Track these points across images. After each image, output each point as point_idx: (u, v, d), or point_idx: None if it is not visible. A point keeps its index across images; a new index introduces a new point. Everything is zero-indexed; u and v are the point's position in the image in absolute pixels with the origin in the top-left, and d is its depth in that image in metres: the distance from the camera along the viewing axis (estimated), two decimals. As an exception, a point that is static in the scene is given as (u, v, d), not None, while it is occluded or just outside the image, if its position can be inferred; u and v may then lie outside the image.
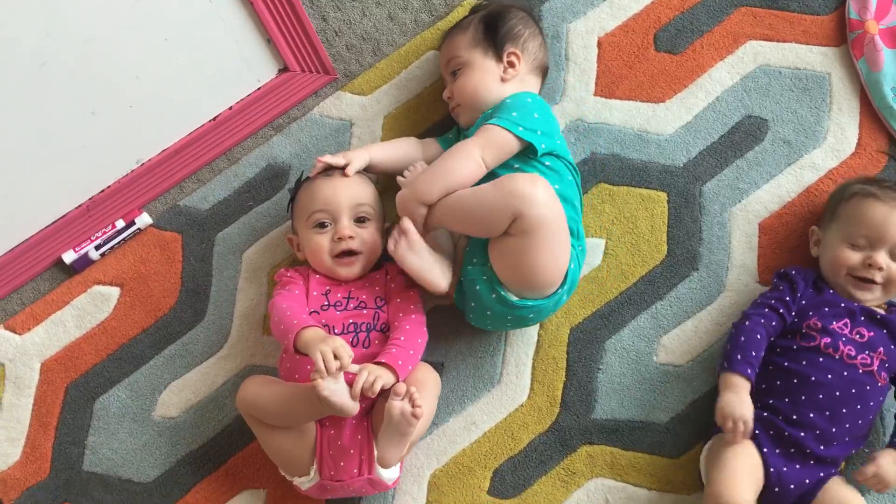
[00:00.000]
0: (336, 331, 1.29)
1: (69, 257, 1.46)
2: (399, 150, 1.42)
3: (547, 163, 1.30)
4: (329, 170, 1.37)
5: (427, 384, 1.28)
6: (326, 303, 1.32)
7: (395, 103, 1.53)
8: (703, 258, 1.43)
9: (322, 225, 1.33)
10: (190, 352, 1.44)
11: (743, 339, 1.26)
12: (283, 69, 1.51)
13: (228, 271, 1.47)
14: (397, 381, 1.22)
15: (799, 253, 1.41)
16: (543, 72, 1.44)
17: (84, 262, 1.46)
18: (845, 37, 1.49)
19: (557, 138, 1.33)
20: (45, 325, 1.45)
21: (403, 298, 1.33)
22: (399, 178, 1.34)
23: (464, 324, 1.39)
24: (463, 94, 1.37)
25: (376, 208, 1.36)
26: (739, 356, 1.24)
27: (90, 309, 1.46)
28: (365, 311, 1.32)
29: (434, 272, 1.28)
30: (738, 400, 1.21)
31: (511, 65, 1.37)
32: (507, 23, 1.39)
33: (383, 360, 1.23)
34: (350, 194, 1.33)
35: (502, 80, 1.36)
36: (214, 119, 1.49)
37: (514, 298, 1.25)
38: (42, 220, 1.45)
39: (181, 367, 1.44)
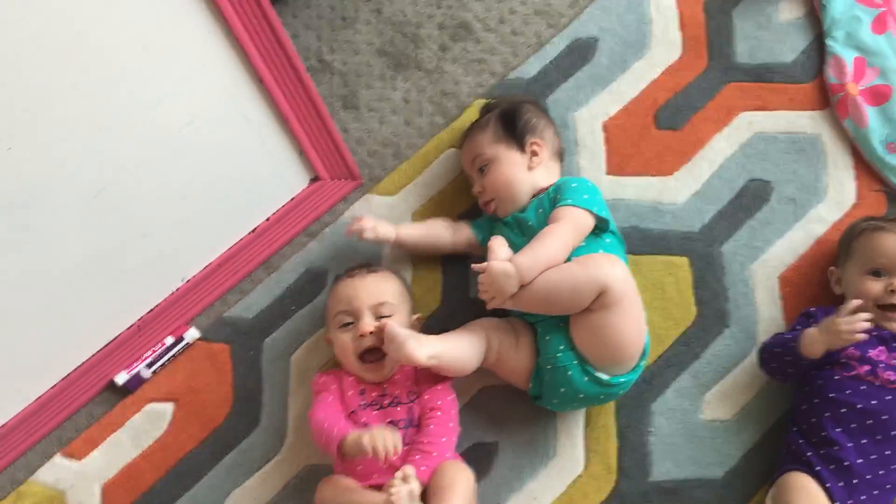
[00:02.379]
0: None
1: (121, 378, 1.49)
2: (428, 230, 1.50)
3: (608, 240, 1.40)
4: (353, 270, 1.43)
5: (455, 486, 1.27)
6: (363, 402, 1.36)
7: (420, 200, 1.61)
8: (732, 315, 1.50)
9: (346, 324, 1.38)
10: (248, 458, 1.46)
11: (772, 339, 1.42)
12: (314, 178, 1.60)
13: (278, 376, 1.51)
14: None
15: (821, 299, 1.49)
16: (561, 156, 1.54)
17: (137, 382, 1.49)
18: (829, 100, 1.63)
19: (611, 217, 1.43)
20: (103, 449, 1.46)
21: (431, 394, 1.37)
22: (493, 258, 1.32)
23: (511, 401, 1.44)
24: (497, 187, 1.46)
25: (400, 303, 1.41)
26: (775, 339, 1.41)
27: (146, 427, 1.48)
28: (399, 408, 1.35)
29: (455, 354, 1.33)
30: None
31: (535, 153, 1.47)
32: (523, 116, 1.50)
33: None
34: (370, 292, 1.38)
35: (530, 168, 1.46)
36: (254, 231, 1.56)
37: (607, 377, 1.32)
38: (95, 343, 1.49)
39: (241, 474, 1.45)
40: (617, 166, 1.62)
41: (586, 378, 1.32)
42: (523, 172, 1.45)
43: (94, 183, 1.28)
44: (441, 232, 1.51)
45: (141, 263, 1.43)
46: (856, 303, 1.30)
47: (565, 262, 1.31)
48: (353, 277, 1.41)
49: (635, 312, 1.32)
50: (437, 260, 1.56)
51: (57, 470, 1.45)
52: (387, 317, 1.37)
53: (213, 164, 1.41)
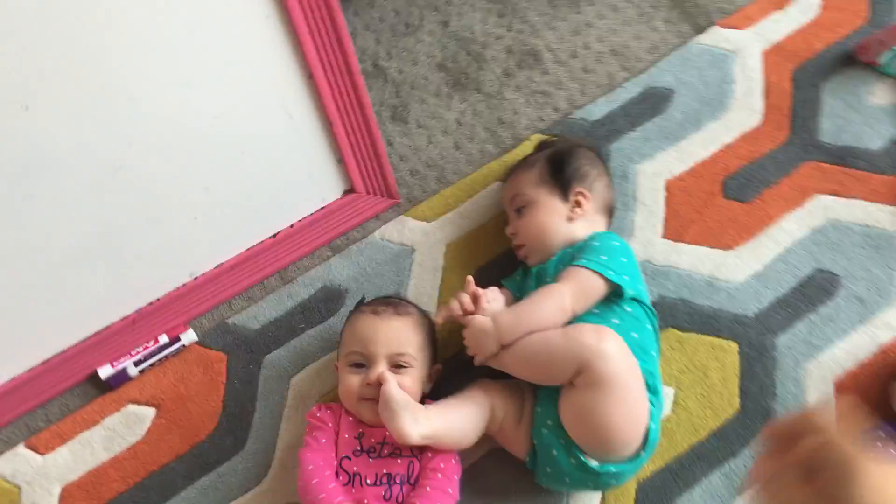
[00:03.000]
0: (368, 481, 1.19)
1: (105, 372, 1.36)
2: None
3: (628, 308, 1.25)
4: (379, 306, 1.29)
5: None
6: (359, 448, 1.22)
7: (458, 232, 1.49)
8: (778, 415, 1.36)
9: (358, 365, 1.24)
10: (226, 484, 1.32)
11: None
12: (349, 189, 1.47)
13: (275, 397, 1.37)
14: None
15: (877, 414, 1.35)
16: (610, 212, 1.41)
17: (121, 379, 1.36)
18: (913, 198, 1.50)
19: (640, 284, 1.29)
20: (71, 446, 1.33)
21: (435, 452, 1.23)
22: (479, 311, 1.24)
23: (520, 472, 1.29)
24: (528, 233, 1.33)
25: (420, 356, 1.26)
26: None
27: (121, 430, 1.34)
28: (399, 461, 1.21)
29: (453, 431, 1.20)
30: None
31: (578, 204, 1.34)
32: (574, 162, 1.37)
33: None
34: (391, 340, 1.24)
35: (569, 219, 1.33)
36: (275, 236, 1.43)
37: (594, 464, 1.17)
38: (84, 329, 1.36)
39: (215, 500, 1.31)
40: (675, 231, 1.49)
41: (572, 461, 1.17)
42: (561, 222, 1.32)
43: (113, 159, 1.16)
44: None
45: (148, 251, 1.30)
46: None
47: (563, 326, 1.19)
48: (377, 316, 1.27)
49: (629, 397, 1.14)
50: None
51: (17, 461, 1.32)
52: (403, 367, 1.24)
53: (244, 158, 1.29)
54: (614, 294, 1.24)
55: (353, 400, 1.23)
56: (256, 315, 1.42)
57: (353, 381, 1.23)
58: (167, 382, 1.37)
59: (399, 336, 1.25)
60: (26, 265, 1.19)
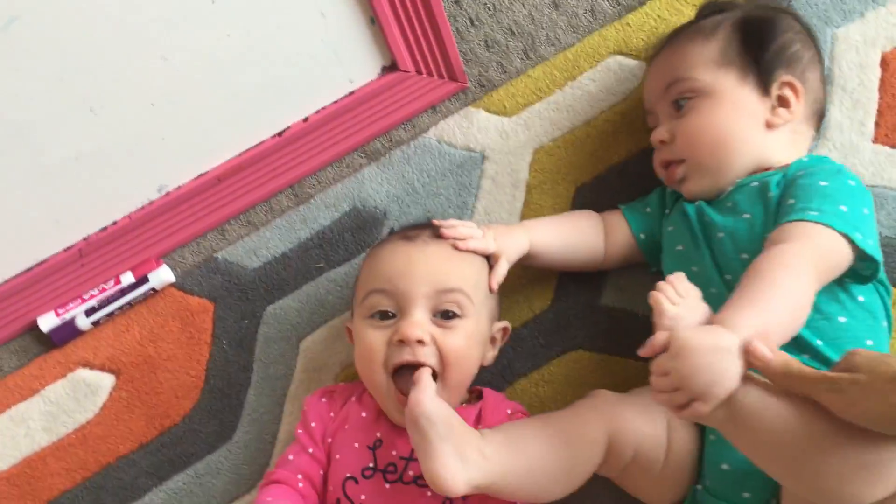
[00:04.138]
0: None
1: (47, 323, 0.98)
2: (574, 234, 0.90)
3: (861, 297, 0.76)
4: (411, 229, 0.86)
5: None
6: (372, 465, 0.79)
7: (551, 132, 1.01)
8: None
9: (383, 315, 0.81)
10: (205, 489, 0.94)
11: None
12: (390, 67, 1.00)
13: (278, 366, 0.97)
14: None
15: None
16: (820, 118, 0.90)
17: (67, 333, 0.98)
18: None
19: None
20: (1, 422, 0.97)
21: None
22: (679, 319, 0.69)
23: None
24: (697, 141, 0.84)
25: (478, 299, 0.82)
26: None
27: (67, 405, 0.97)
28: (430, 493, 0.77)
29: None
30: None
31: (785, 102, 0.84)
32: (780, 36, 0.86)
33: None
34: (434, 271, 0.80)
35: (769, 125, 0.83)
36: (280, 134, 0.99)
37: None
38: (15, 262, 0.97)
39: (188, 511, 0.94)
40: (893, 131, 0.95)
41: None
42: (755, 129, 0.83)
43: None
44: (592, 239, 0.90)
45: (93, 149, 0.89)
46: None
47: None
48: (409, 242, 0.83)
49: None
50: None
51: (-72, 441, 0.97)
52: (453, 317, 0.80)
53: (223, 15, 0.84)
54: (853, 272, 0.75)
55: (376, 371, 0.80)
56: (255, 248, 1.00)
57: (375, 338, 0.80)
58: (130, 340, 0.98)
59: (444, 265, 0.81)
60: None
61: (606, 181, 0.99)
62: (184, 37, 0.84)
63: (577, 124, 1.01)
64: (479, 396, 0.86)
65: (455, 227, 0.84)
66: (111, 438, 0.96)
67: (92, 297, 0.98)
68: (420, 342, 0.78)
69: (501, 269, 0.84)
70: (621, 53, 1.01)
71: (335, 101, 1.00)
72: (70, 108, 0.84)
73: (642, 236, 0.91)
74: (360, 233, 1.00)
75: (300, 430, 0.82)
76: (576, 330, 0.95)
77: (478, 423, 0.83)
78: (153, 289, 0.98)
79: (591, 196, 0.98)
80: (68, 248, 0.97)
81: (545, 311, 0.96)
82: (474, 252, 0.83)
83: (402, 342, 0.78)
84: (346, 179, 1.01)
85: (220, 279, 0.99)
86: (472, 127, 1.02)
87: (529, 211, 0.99)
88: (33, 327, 0.99)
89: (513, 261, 0.85)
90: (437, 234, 0.84)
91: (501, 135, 1.01)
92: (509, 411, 0.85)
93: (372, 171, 1.01)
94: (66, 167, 0.89)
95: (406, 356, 0.78)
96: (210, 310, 0.99)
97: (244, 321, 0.98)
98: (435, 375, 0.78)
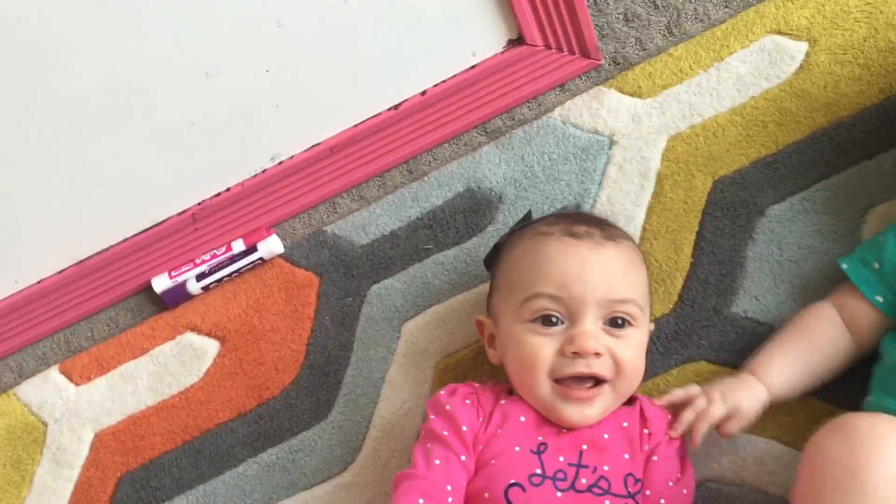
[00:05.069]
0: None
1: (160, 284, 0.99)
2: (816, 354, 0.77)
3: None
4: (576, 223, 0.79)
5: None
6: (539, 471, 0.73)
7: (690, 118, 0.91)
8: None
9: (549, 321, 0.75)
10: (298, 466, 0.92)
11: None
12: (516, 40, 0.93)
13: (378, 348, 0.93)
14: None
15: None
16: None
17: (179, 296, 0.98)
18: None
19: None
20: (111, 378, 0.99)
21: (672, 490, 0.74)
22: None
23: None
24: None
25: (647, 310, 0.78)
26: None
27: (174, 366, 0.98)
28: (606, 499, 0.72)
29: None
30: None
31: None
32: None
33: None
34: (609, 277, 0.75)
35: None
36: (396, 107, 0.95)
37: None
38: (134, 222, 0.99)
39: (281, 486, 0.92)
40: None
41: None
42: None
43: None
44: (835, 347, 0.77)
45: (206, 118, 0.88)
46: None
47: None
48: (578, 241, 0.76)
49: None
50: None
51: (47, 390, 1.00)
52: (625, 325, 0.75)
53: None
54: None
55: (540, 383, 0.75)
56: (365, 224, 0.96)
57: (541, 347, 0.74)
58: (236, 308, 0.98)
59: (618, 274, 0.76)
60: (48, 125, 0.83)
61: (750, 176, 0.88)
62: (300, 1, 0.81)
63: (721, 111, 0.90)
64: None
65: (680, 398, 0.77)
66: (212, 404, 0.96)
67: (203, 262, 0.98)
68: (597, 355, 0.73)
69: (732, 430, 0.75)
70: (779, 33, 0.90)
71: (455, 75, 0.94)
72: (186, 72, 0.83)
73: (879, 299, 0.75)
74: (473, 215, 0.94)
75: (446, 433, 0.74)
76: (699, 339, 0.86)
77: (643, 420, 0.77)
78: (262, 258, 0.97)
79: (731, 192, 0.88)
80: (182, 213, 0.98)
81: (666, 315, 0.87)
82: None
83: (577, 355, 0.73)
84: (463, 158, 0.96)
85: (328, 254, 0.97)
86: (602, 108, 0.93)
87: (658, 203, 0.90)
88: (147, 287, 1.00)
89: (751, 422, 0.75)
90: (607, 235, 0.77)
91: (633, 118, 0.93)
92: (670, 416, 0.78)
93: (490, 151, 0.95)
94: (181, 131, 0.88)
95: (580, 368, 0.73)
96: (315, 284, 0.96)
97: (348, 299, 0.95)
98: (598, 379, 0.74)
